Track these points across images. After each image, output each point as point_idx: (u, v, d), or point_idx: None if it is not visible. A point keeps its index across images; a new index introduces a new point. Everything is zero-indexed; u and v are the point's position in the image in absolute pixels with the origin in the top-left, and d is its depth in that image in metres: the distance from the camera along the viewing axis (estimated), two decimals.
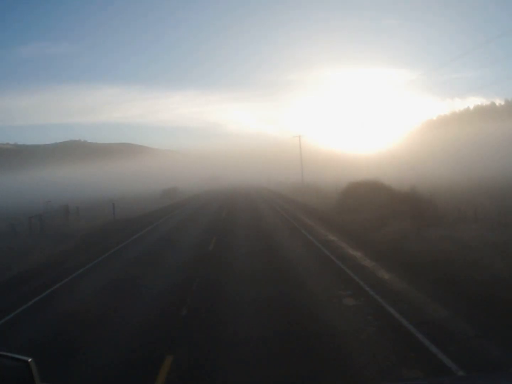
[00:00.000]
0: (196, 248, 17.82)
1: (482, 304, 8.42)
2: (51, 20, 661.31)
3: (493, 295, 8.74)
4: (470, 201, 21.96)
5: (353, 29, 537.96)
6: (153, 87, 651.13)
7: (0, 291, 12.42)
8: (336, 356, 6.59)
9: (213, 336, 7.75)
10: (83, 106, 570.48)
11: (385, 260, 13.15)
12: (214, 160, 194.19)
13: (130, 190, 75.01)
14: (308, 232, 20.45)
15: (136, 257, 16.78)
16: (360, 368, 6.16)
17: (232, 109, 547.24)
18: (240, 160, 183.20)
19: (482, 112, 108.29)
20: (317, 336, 7.41)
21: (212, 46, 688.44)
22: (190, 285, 11.48)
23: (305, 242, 17.75)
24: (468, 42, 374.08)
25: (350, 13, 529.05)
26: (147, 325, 8.62)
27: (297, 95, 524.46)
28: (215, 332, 7.97)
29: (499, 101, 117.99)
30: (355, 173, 52.23)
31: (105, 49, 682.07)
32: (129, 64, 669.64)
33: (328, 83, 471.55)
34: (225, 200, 51.02)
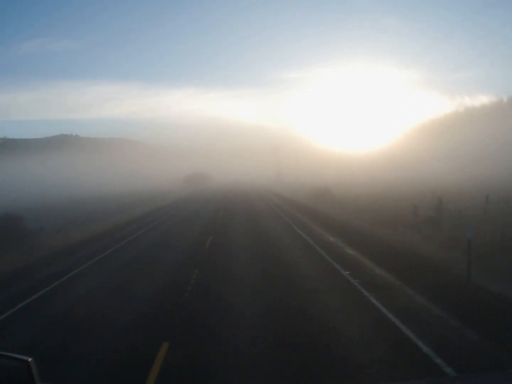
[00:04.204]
0: None
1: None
2: (50, 16, 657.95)
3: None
4: None
5: (354, 28, 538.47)
6: (152, 84, 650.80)
7: None
8: None
9: None
10: (81, 102, 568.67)
11: None
12: (209, 156, 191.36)
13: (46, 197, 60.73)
14: None
15: None
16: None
17: (231, 106, 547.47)
18: (239, 156, 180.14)
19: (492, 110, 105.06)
20: None
21: (211, 44, 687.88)
22: None
23: None
24: (473, 42, 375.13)
25: (352, 12, 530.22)
26: None
27: (297, 94, 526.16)
28: None
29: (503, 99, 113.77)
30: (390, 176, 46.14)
31: (104, 46, 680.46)
32: (128, 61, 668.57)
33: (329, 81, 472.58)
34: None
